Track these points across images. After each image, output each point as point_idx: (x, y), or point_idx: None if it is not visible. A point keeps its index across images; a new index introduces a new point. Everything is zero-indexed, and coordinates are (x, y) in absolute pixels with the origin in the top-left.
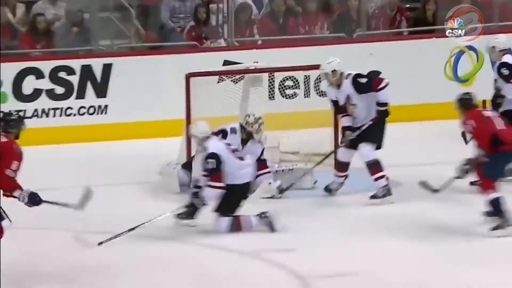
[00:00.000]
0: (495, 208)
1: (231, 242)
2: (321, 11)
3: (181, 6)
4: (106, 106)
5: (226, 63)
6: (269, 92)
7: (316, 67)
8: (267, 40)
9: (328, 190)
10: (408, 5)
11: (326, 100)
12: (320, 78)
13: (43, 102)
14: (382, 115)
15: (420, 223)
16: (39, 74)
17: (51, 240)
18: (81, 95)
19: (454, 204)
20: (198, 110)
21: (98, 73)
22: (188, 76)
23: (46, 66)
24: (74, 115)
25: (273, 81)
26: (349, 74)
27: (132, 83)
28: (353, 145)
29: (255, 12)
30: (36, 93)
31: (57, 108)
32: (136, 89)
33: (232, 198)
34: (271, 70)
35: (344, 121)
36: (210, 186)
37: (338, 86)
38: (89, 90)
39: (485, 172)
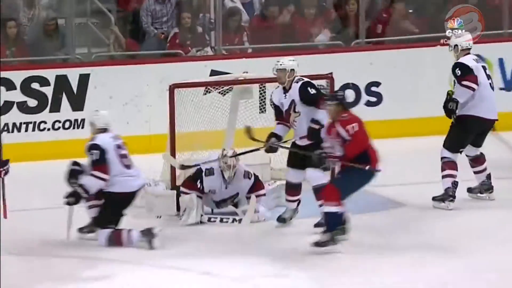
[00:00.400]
0: (329, 223)
1: (209, 266)
2: (318, 17)
3: (162, 9)
4: (83, 120)
5: (213, 73)
6: (260, 104)
7: (312, 77)
8: (258, 48)
9: (282, 220)
10: (411, 10)
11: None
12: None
13: (15, 115)
14: (312, 134)
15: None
16: (10, 85)
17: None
18: (55, 108)
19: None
20: (182, 124)
21: (74, 84)
22: (172, 88)
23: (17, 76)
24: (48, 129)
25: (264, 92)
26: (300, 79)
27: (111, 95)
28: (301, 165)
29: (245, 18)
30: (7, 106)
31: (30, 122)
32: (115, 102)
33: (111, 207)
34: (262, 81)
35: (277, 129)
36: (92, 175)
37: (285, 89)
38: (65, 102)
39: (339, 183)
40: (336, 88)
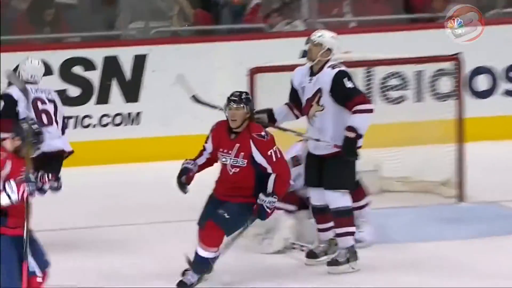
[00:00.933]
0: (198, 267)
1: None
2: None
3: None
4: (138, 114)
5: (305, 54)
6: (366, 93)
7: (433, 59)
8: (364, 21)
9: (312, 255)
10: None
11: (446, 106)
12: (436, 76)
13: None
14: (346, 144)
15: None
16: (45, 69)
17: None
18: (103, 98)
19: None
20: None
21: (127, 67)
22: (253, 72)
23: (54, 58)
24: (94, 126)
25: (371, 79)
26: (336, 66)
27: (174, 81)
28: (320, 181)
29: None
30: None
31: (71, 117)
32: (178, 90)
33: None
34: (369, 64)
35: (278, 109)
36: None
37: (312, 72)
38: (115, 91)
39: (227, 226)
40: (466, 72)
